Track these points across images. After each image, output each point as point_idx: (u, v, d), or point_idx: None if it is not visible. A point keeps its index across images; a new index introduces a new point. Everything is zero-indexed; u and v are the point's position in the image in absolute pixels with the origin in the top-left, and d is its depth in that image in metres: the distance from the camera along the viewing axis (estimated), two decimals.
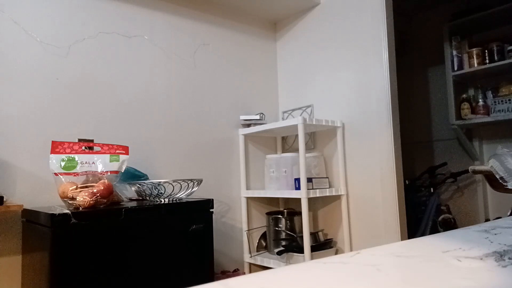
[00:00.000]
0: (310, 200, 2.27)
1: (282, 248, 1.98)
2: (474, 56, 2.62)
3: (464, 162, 2.87)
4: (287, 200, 2.42)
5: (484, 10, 2.56)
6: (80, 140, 1.68)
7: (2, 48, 1.55)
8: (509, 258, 0.36)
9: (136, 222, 1.36)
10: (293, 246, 2.00)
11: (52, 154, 1.36)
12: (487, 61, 2.59)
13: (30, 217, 1.41)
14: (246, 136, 2.30)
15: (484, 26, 2.72)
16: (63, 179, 1.34)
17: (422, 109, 3.16)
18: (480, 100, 2.65)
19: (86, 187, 1.33)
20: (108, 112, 1.80)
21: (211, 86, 2.20)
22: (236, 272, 2.13)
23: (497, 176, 1.31)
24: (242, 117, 2.24)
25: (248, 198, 2.26)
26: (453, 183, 2.91)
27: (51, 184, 1.59)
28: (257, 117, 2.22)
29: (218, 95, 2.22)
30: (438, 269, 0.34)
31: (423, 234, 2.63)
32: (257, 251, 2.25)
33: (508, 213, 1.88)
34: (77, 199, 1.28)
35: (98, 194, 1.30)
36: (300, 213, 2.07)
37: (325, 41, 2.24)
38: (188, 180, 1.60)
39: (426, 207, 2.72)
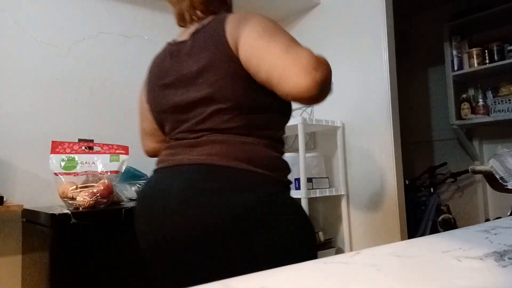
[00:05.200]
0: (310, 200, 2.27)
1: None
2: (474, 56, 2.62)
3: (464, 162, 2.87)
4: None
5: (484, 10, 2.56)
6: (80, 140, 1.68)
7: (2, 48, 1.55)
8: (509, 258, 0.36)
9: None
10: None
11: (52, 154, 1.36)
12: (487, 61, 2.59)
13: (30, 217, 1.41)
14: None
15: (484, 26, 2.72)
16: (63, 179, 1.34)
17: (422, 109, 3.16)
18: (480, 100, 2.65)
19: (86, 187, 1.33)
20: (108, 112, 1.80)
21: None
22: None
23: (497, 176, 1.31)
24: None
25: None
26: (453, 183, 2.91)
27: (51, 184, 1.59)
28: None
29: None
30: (438, 269, 0.34)
31: (423, 234, 2.63)
32: None
33: (508, 213, 1.88)
34: (77, 199, 1.28)
35: (98, 194, 1.30)
36: None
37: (325, 41, 2.24)
38: None
39: (426, 207, 2.72)
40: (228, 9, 1.02)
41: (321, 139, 2.24)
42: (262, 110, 0.85)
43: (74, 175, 1.37)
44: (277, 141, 0.90)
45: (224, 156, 0.81)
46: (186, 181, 0.81)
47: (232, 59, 0.82)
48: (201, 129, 0.86)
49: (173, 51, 0.95)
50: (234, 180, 0.80)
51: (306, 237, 0.85)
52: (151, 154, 1.14)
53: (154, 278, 0.93)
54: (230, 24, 0.83)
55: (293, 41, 0.80)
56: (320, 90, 0.75)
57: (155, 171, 0.93)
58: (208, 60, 0.84)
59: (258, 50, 0.78)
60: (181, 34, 0.99)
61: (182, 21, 0.99)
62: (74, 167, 1.38)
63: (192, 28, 0.94)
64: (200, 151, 0.84)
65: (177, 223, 0.80)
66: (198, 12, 0.95)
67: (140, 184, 1.58)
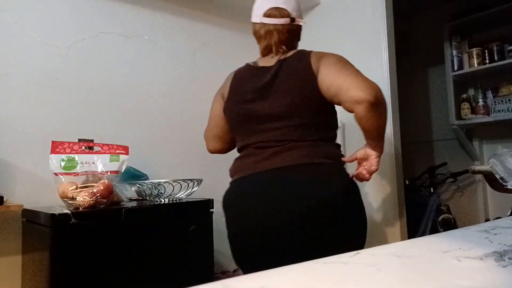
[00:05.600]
0: None
1: None
2: (474, 56, 2.62)
3: (464, 162, 2.87)
4: None
5: (484, 10, 2.56)
6: (80, 140, 1.68)
7: (2, 48, 1.55)
8: (509, 258, 0.36)
9: (136, 222, 1.36)
10: None
11: (52, 154, 1.36)
12: (487, 61, 2.58)
13: (30, 217, 1.41)
14: None
15: (484, 26, 2.72)
16: (63, 179, 1.34)
17: (422, 109, 3.16)
18: (480, 100, 2.64)
19: (86, 187, 1.33)
20: (108, 112, 1.80)
21: (211, 86, 2.20)
22: (236, 272, 2.13)
23: (497, 176, 1.31)
24: None
25: None
26: (453, 183, 2.91)
27: (51, 184, 1.59)
28: None
29: None
30: (438, 269, 0.34)
31: (423, 234, 2.62)
32: None
33: (508, 213, 1.88)
34: (77, 199, 1.28)
35: (98, 194, 1.30)
36: None
37: (324, 41, 2.24)
38: (188, 180, 1.60)
39: (426, 207, 2.72)
40: (298, 43, 1.32)
41: None
42: (326, 126, 1.17)
43: (74, 175, 1.37)
44: (339, 146, 1.21)
45: (311, 156, 1.09)
46: (292, 174, 1.07)
47: (314, 83, 1.11)
48: (285, 139, 1.12)
49: (259, 73, 1.20)
50: (324, 170, 1.09)
51: (366, 219, 1.17)
52: (214, 152, 1.44)
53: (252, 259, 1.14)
54: (313, 58, 1.14)
55: (360, 72, 1.10)
56: (376, 101, 1.03)
57: (246, 176, 1.15)
58: (294, 84, 1.12)
59: (332, 72, 1.09)
60: (263, 60, 1.26)
61: (268, 52, 1.25)
62: (74, 167, 1.38)
63: (276, 57, 1.20)
64: (289, 155, 1.10)
65: (299, 206, 1.05)
66: (283, 47, 1.22)
67: (140, 184, 1.58)
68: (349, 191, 1.11)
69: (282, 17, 1.21)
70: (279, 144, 1.11)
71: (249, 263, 1.15)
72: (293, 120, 1.12)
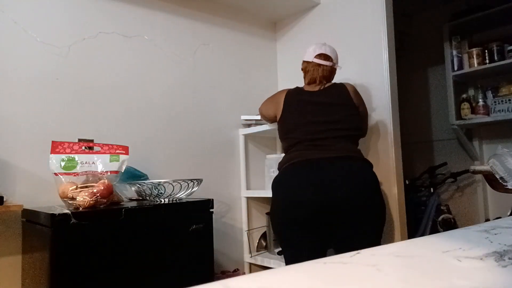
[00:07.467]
0: None
1: None
2: (474, 56, 2.62)
3: (464, 162, 2.87)
4: None
5: (484, 10, 2.56)
6: (80, 140, 1.68)
7: (2, 48, 1.55)
8: (509, 258, 0.36)
9: (136, 222, 1.36)
10: None
11: (52, 154, 1.36)
12: (487, 61, 2.58)
13: (30, 217, 1.42)
14: (246, 136, 2.30)
15: (484, 26, 2.72)
16: (63, 179, 1.34)
17: (422, 109, 3.16)
18: (480, 100, 2.65)
19: (86, 187, 1.33)
20: (108, 112, 1.80)
21: (211, 86, 2.20)
22: (236, 272, 2.13)
23: (497, 176, 1.31)
24: (243, 117, 2.24)
25: (248, 198, 2.26)
26: (453, 183, 2.91)
27: (51, 184, 1.59)
28: (258, 117, 2.22)
29: (218, 95, 2.22)
30: (438, 269, 0.34)
31: (423, 234, 2.62)
32: (257, 251, 2.25)
33: (508, 213, 1.88)
34: (77, 199, 1.28)
35: (98, 194, 1.30)
36: None
37: (325, 41, 2.24)
38: (188, 180, 1.60)
39: (426, 207, 2.72)
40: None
41: None
42: (358, 131, 1.66)
43: (74, 175, 1.37)
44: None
45: (350, 151, 1.54)
46: (340, 163, 1.48)
47: (352, 103, 1.63)
48: (330, 136, 1.55)
49: (310, 93, 1.66)
50: (360, 162, 1.53)
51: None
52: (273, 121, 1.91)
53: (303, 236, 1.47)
54: (349, 87, 1.67)
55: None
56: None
57: (298, 162, 1.52)
58: (338, 101, 1.62)
59: (360, 102, 1.68)
60: (308, 87, 1.72)
61: (312, 82, 1.72)
62: (74, 167, 1.38)
63: (319, 86, 1.68)
64: (334, 148, 1.53)
65: (346, 187, 1.44)
66: (324, 80, 1.71)
67: (140, 184, 1.58)
68: (375, 177, 1.54)
69: (326, 60, 1.72)
70: (326, 141, 1.55)
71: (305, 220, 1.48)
72: (339, 125, 1.56)
